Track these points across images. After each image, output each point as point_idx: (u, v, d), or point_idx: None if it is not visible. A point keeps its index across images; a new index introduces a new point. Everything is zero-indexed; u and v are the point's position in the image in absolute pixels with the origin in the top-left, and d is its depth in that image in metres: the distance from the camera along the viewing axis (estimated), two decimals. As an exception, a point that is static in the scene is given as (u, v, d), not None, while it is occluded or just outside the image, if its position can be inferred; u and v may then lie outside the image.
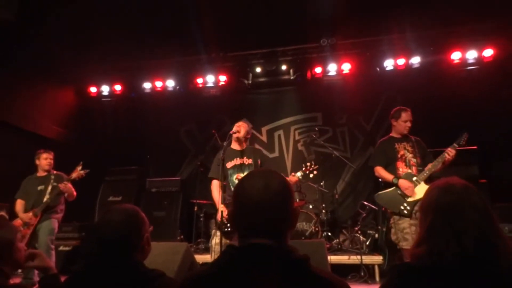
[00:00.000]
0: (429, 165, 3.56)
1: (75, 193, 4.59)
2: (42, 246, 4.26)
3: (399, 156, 3.71)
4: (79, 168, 4.51)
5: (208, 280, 0.99)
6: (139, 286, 1.34)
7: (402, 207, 3.49)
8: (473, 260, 1.11)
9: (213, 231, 3.62)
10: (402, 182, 3.53)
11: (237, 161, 3.69)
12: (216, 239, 3.53)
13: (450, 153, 3.49)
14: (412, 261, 1.25)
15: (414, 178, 3.54)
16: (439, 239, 1.17)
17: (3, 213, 5.02)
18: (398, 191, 3.56)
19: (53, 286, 1.66)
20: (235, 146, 3.78)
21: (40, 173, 4.67)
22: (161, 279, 1.38)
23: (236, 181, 3.65)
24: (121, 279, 1.36)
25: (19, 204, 4.54)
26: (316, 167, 3.68)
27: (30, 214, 4.38)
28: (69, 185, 4.44)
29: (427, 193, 1.33)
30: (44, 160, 4.65)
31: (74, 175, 4.48)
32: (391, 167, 3.71)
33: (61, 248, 5.23)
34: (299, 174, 3.66)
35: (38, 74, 6.25)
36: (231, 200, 1.14)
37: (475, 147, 3.68)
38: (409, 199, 3.50)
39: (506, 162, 4.78)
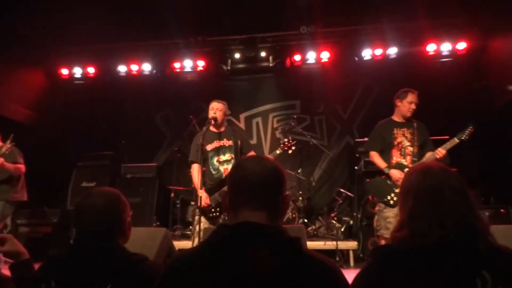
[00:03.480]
0: (424, 159, 3.46)
1: (17, 167, 4.37)
2: None
3: (395, 143, 3.55)
4: (8, 141, 4.27)
5: (200, 260, 0.98)
6: (122, 270, 1.30)
7: (389, 197, 3.41)
8: (453, 242, 1.14)
9: (197, 217, 3.56)
10: (394, 173, 3.42)
11: (217, 143, 3.68)
12: (201, 225, 3.49)
13: (439, 153, 3.39)
14: (393, 244, 1.27)
15: (406, 169, 3.40)
16: (421, 223, 1.19)
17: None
18: (388, 181, 3.47)
19: (26, 272, 1.58)
20: (213, 128, 3.75)
21: None
22: (145, 263, 1.35)
23: (217, 164, 3.65)
24: (104, 263, 1.32)
25: None
26: (294, 142, 3.66)
27: None
28: (1, 160, 4.20)
29: (406, 177, 1.35)
30: None
31: (3, 149, 4.24)
32: (385, 154, 3.58)
33: (32, 235, 5.05)
34: (278, 151, 3.65)
35: (3, 52, 5.90)
36: (229, 183, 1.15)
37: (447, 136, 3.80)
38: (398, 190, 3.35)
39: (474, 151, 4.98)
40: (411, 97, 3.59)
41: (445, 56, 6.27)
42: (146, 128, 7.32)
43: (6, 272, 1.55)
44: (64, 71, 7.08)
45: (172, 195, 5.95)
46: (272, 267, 0.91)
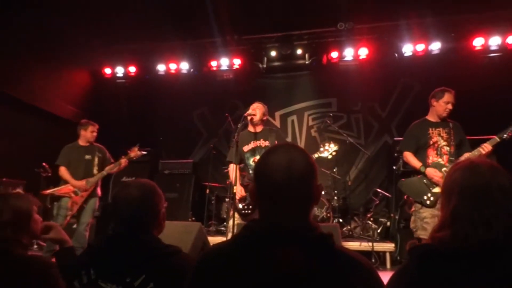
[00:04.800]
0: (463, 157, 3.31)
1: None
2: (83, 225, 4.41)
3: (431, 143, 3.44)
4: (136, 148, 4.58)
5: (230, 256, 0.98)
6: (156, 261, 1.34)
7: (425, 197, 3.29)
8: (500, 247, 1.05)
9: (231, 213, 3.61)
10: (430, 171, 3.30)
11: (253, 144, 3.65)
12: (235, 221, 3.53)
13: (485, 148, 3.23)
14: (432, 244, 1.21)
15: (444, 169, 3.28)
16: (464, 224, 1.11)
17: (19, 189, 5.12)
18: (424, 180, 3.35)
19: (68, 259, 1.67)
20: (251, 128, 3.73)
21: (83, 143, 4.68)
22: (178, 255, 1.38)
23: (253, 164, 3.62)
24: (138, 253, 1.36)
25: (65, 171, 4.51)
26: (336, 147, 3.55)
27: (84, 182, 4.44)
28: (126, 162, 4.59)
29: (450, 174, 1.25)
30: (91, 132, 4.70)
31: (132, 154, 4.58)
32: (421, 153, 3.48)
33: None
34: (315, 156, 3.54)
35: (52, 54, 6.26)
36: (254, 176, 1.09)
37: (494, 136, 3.58)
38: (434, 190, 3.28)
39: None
40: (447, 97, 3.46)
41: (494, 51, 5.90)
42: (183, 126, 7.50)
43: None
44: (107, 71, 7.41)
45: (207, 191, 6.04)
46: (303, 265, 0.89)
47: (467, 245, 1.08)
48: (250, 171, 3.62)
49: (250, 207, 3.46)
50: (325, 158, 3.60)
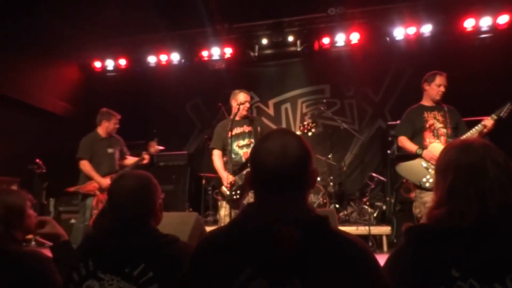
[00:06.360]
0: (463, 137, 3.30)
1: None
2: None
3: (427, 126, 3.42)
4: (155, 143, 4.37)
5: (228, 239, 0.98)
6: (154, 250, 1.34)
7: (424, 179, 3.24)
8: (495, 221, 1.06)
9: (220, 203, 3.65)
10: (427, 153, 3.27)
11: (237, 129, 3.72)
12: (224, 211, 3.56)
13: (488, 124, 3.24)
14: (428, 224, 1.21)
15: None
16: (461, 200, 1.12)
17: (14, 187, 5.09)
18: (422, 163, 3.31)
19: (66, 252, 1.66)
20: (236, 117, 3.78)
21: (104, 135, 4.35)
22: (177, 243, 1.38)
23: (237, 148, 3.69)
24: (137, 244, 1.36)
25: (89, 165, 4.13)
26: (313, 124, 3.50)
27: (108, 180, 4.09)
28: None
29: (444, 153, 1.26)
30: (114, 124, 4.39)
31: (152, 149, 4.34)
32: (417, 137, 3.45)
33: (72, 221, 5.31)
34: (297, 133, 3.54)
35: (41, 49, 6.16)
36: (250, 162, 1.10)
37: (487, 117, 3.60)
38: (433, 172, 3.21)
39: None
40: (439, 80, 3.46)
41: (485, 32, 5.89)
42: (177, 117, 7.45)
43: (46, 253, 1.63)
44: (97, 64, 7.31)
45: (203, 182, 6.05)
46: (299, 247, 0.90)
47: (463, 222, 1.09)
48: (233, 155, 3.65)
49: (238, 192, 3.48)
50: (306, 135, 3.56)
